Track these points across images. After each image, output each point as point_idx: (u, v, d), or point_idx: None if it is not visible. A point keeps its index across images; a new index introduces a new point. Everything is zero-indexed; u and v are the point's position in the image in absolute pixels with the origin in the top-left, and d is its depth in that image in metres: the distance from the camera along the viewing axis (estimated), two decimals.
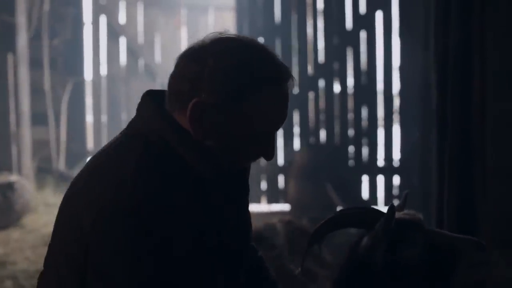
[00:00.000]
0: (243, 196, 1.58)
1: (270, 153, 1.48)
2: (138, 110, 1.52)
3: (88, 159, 1.62)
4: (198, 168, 1.43)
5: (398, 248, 1.57)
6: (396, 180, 6.32)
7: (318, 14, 6.54)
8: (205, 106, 1.40)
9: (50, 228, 2.07)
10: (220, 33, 1.47)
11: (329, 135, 6.55)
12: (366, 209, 1.66)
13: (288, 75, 1.46)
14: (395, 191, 6.34)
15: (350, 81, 6.50)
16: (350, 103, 6.50)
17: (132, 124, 1.52)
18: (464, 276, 1.57)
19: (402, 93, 6.30)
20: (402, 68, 6.30)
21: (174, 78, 1.46)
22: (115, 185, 1.37)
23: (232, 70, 1.40)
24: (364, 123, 6.40)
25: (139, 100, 1.53)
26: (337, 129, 6.48)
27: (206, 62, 1.40)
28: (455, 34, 3.07)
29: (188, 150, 1.43)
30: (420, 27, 5.74)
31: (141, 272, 1.33)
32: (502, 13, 3.40)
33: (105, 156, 1.47)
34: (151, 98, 1.52)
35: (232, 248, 1.50)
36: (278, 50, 6.61)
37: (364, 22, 6.39)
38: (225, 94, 1.40)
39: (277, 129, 1.48)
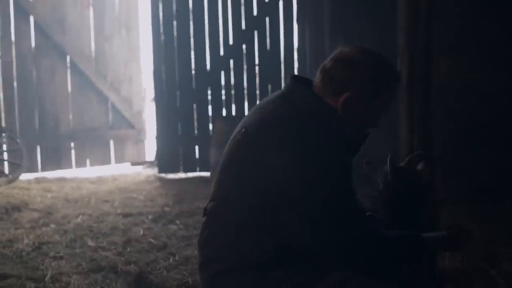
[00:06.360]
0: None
1: (378, 124, 2.30)
2: (290, 90, 2.21)
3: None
4: (345, 133, 2.20)
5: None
6: None
7: (227, 1, 7.33)
8: (353, 99, 2.17)
9: None
10: (359, 46, 2.23)
11: (239, 108, 7.43)
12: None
13: (400, 75, 2.30)
14: None
15: (257, 61, 7.40)
16: (257, 80, 7.41)
17: (287, 98, 2.19)
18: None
19: (301, 70, 7.32)
20: (299, 49, 7.32)
21: (330, 76, 2.18)
22: (304, 147, 2.07)
23: (375, 78, 2.17)
24: None
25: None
26: (246, 103, 7.37)
27: (358, 70, 2.15)
28: (423, 29, 4.10)
29: (338, 122, 2.19)
30: (325, 15, 6.76)
31: (325, 200, 2.04)
32: None
33: (280, 123, 2.11)
34: (299, 81, 2.24)
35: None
36: (191, 33, 7.32)
37: (268, 9, 7.31)
38: (369, 93, 2.19)
39: None
